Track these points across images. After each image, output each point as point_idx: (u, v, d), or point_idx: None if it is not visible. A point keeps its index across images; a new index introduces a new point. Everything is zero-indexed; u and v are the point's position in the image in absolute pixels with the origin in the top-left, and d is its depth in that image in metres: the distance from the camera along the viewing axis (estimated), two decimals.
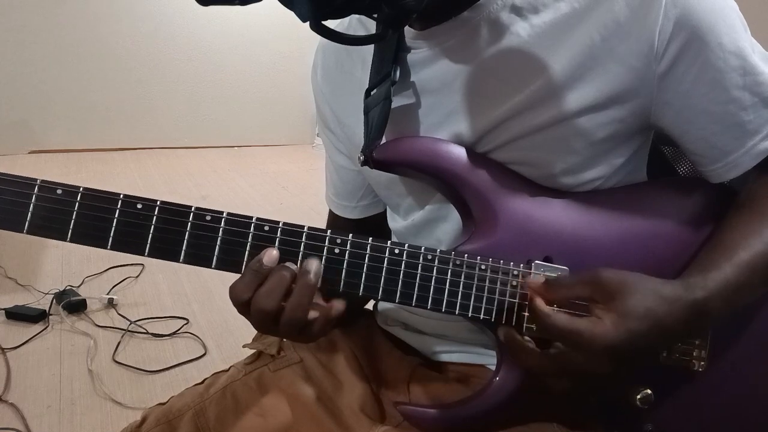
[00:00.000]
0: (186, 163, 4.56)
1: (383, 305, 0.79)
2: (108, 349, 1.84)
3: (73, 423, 1.51)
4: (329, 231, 0.54)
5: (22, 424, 1.48)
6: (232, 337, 1.95)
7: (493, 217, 0.58)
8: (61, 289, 2.14)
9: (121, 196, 0.51)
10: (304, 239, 0.53)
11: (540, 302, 0.53)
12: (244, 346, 0.76)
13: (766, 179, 0.59)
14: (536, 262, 0.57)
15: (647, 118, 0.58)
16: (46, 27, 4.36)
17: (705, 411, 0.60)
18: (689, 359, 0.57)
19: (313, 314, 0.53)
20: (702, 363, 0.57)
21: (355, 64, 0.68)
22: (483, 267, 0.56)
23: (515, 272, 0.57)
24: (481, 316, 0.56)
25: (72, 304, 2.05)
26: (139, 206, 0.51)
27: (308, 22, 0.46)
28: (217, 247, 0.52)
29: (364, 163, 0.61)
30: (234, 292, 0.52)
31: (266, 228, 0.53)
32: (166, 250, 0.52)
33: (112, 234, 0.51)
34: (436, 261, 0.56)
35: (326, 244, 0.54)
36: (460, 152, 0.59)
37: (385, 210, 0.78)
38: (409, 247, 0.55)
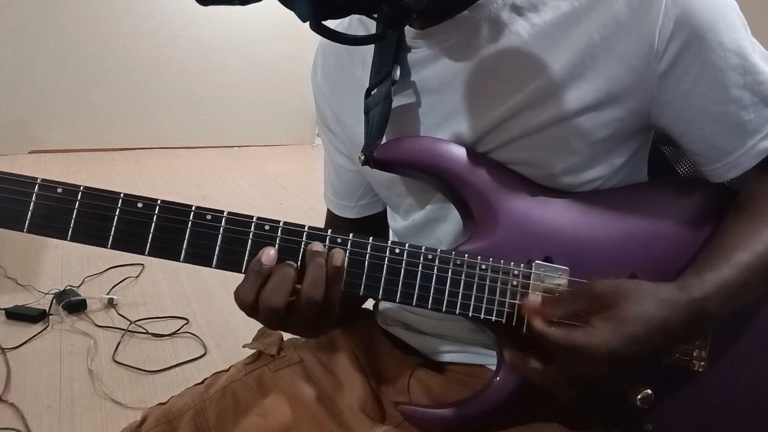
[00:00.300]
0: (186, 163, 4.56)
1: (383, 305, 0.79)
2: (108, 349, 1.84)
3: (73, 423, 1.51)
4: (330, 230, 0.54)
5: (22, 424, 1.48)
6: (232, 337, 1.95)
7: (494, 217, 0.58)
8: (61, 289, 2.14)
9: (122, 195, 0.51)
10: (304, 238, 0.53)
11: (538, 322, 0.53)
12: (244, 346, 0.76)
13: (767, 179, 0.59)
14: (536, 262, 0.57)
15: (647, 118, 0.58)
16: (46, 27, 4.36)
17: (705, 411, 0.60)
18: (689, 359, 0.57)
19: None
20: (702, 363, 0.57)
21: (356, 63, 0.68)
22: (483, 267, 0.56)
23: (516, 272, 0.57)
24: (482, 316, 0.56)
25: (72, 304, 2.05)
26: (140, 205, 0.51)
27: (308, 22, 0.46)
28: (217, 247, 0.52)
29: (364, 163, 0.61)
30: (239, 296, 0.52)
31: (267, 227, 0.53)
32: (166, 249, 0.52)
33: (112, 233, 0.51)
34: (437, 261, 0.56)
35: (327, 243, 0.54)
36: (460, 152, 0.59)
37: (384, 210, 0.78)
38: (409, 246, 0.55)
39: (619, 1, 0.53)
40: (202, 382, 0.72)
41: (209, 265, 0.52)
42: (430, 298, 0.55)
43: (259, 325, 0.61)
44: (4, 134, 4.37)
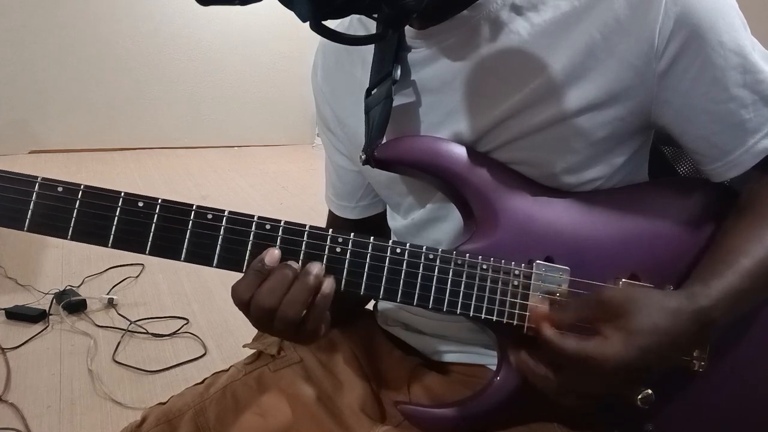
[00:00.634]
0: (186, 163, 4.56)
1: (383, 305, 0.79)
2: (108, 349, 1.84)
3: (73, 423, 1.50)
4: (331, 230, 0.54)
5: (22, 424, 1.48)
6: (232, 337, 1.95)
7: (494, 217, 0.58)
8: (61, 289, 2.14)
9: (122, 194, 0.51)
10: (305, 238, 0.53)
11: (547, 330, 0.52)
12: (244, 346, 0.76)
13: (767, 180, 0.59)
14: (537, 261, 0.57)
15: (647, 117, 0.58)
16: (46, 27, 4.36)
17: (705, 411, 0.60)
18: (689, 359, 0.57)
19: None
20: (702, 363, 0.57)
21: (355, 63, 0.68)
22: (484, 267, 0.56)
23: (516, 272, 0.57)
24: (483, 316, 0.56)
25: (72, 304, 2.05)
26: (141, 204, 0.51)
27: (308, 22, 0.46)
28: (218, 246, 0.52)
29: (365, 163, 0.61)
30: (236, 292, 0.52)
31: (268, 227, 0.53)
32: (167, 248, 0.52)
33: (113, 232, 0.51)
34: (438, 260, 0.56)
35: (328, 243, 0.54)
36: (461, 151, 0.59)
37: (385, 210, 0.78)
38: (410, 246, 0.55)
39: (619, 0, 0.53)
40: (202, 382, 0.72)
41: (210, 265, 0.52)
42: (431, 298, 0.55)
43: None
44: (4, 134, 4.37)
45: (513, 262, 0.57)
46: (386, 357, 0.74)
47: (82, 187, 0.50)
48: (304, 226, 0.54)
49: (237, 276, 0.53)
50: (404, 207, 0.70)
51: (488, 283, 0.56)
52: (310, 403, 0.67)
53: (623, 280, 0.57)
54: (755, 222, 0.57)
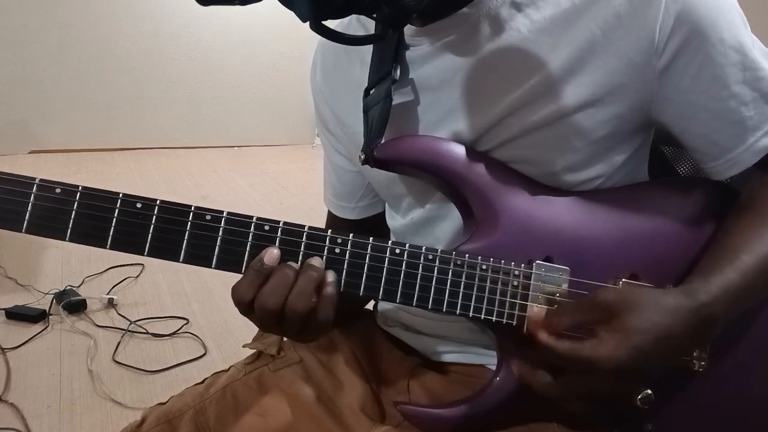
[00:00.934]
0: (186, 163, 4.56)
1: (383, 306, 0.79)
2: (108, 349, 1.84)
3: (73, 423, 1.51)
4: (330, 231, 0.54)
5: (22, 424, 1.48)
6: (232, 337, 1.95)
7: (494, 217, 0.58)
8: (61, 289, 2.14)
9: (121, 195, 0.51)
10: (304, 239, 0.53)
11: (543, 335, 0.52)
12: (244, 346, 0.76)
13: None
14: (537, 261, 0.57)
15: (647, 115, 0.57)
16: (46, 27, 4.36)
17: (705, 411, 0.60)
18: (689, 359, 0.57)
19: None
20: (702, 363, 0.57)
21: (354, 63, 0.68)
22: (484, 267, 0.56)
23: (516, 272, 0.56)
24: (482, 317, 0.56)
25: (72, 304, 2.05)
26: (139, 205, 0.51)
27: (308, 22, 0.46)
28: (217, 247, 0.52)
29: (364, 162, 0.61)
30: (237, 293, 0.52)
31: (266, 227, 0.53)
32: (166, 250, 0.52)
33: (111, 233, 0.50)
34: (437, 261, 0.55)
35: (327, 243, 0.54)
36: (460, 151, 0.59)
37: (384, 210, 0.78)
38: (410, 246, 0.55)
39: None
40: (202, 382, 0.72)
41: (209, 266, 0.52)
42: (431, 298, 0.55)
43: None
44: (4, 134, 4.37)
45: (513, 262, 0.57)
46: (386, 357, 0.74)
47: (80, 188, 0.50)
48: (303, 226, 0.54)
49: (237, 276, 0.53)
50: (404, 206, 0.70)
51: (488, 284, 0.56)
52: (310, 403, 0.67)
53: (623, 279, 0.57)
54: (756, 220, 0.57)
